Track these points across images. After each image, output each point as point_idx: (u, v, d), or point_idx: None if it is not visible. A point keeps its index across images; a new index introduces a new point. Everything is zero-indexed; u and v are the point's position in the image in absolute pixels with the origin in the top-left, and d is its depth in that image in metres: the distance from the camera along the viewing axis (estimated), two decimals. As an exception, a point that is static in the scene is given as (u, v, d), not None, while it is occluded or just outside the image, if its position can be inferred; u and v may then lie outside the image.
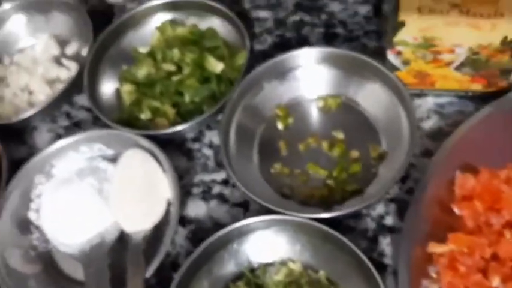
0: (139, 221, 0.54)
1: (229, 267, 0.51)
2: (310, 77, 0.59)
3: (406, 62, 0.55)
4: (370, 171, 0.54)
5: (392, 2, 0.52)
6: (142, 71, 0.62)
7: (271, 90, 0.58)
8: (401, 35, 0.51)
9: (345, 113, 0.58)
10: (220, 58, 0.62)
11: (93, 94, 0.61)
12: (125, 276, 0.50)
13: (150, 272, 0.49)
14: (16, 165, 0.58)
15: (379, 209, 0.53)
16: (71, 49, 0.70)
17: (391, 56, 0.54)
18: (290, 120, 0.58)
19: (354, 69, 0.57)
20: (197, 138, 0.61)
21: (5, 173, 0.57)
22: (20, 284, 0.51)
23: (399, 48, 0.53)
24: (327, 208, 0.53)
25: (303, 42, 0.65)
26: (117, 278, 0.51)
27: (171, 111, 0.60)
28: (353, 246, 0.46)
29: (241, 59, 0.61)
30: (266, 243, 0.51)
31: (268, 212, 0.51)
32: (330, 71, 0.58)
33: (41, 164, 0.57)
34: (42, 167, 0.57)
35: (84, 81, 0.62)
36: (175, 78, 0.61)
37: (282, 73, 0.58)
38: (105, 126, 0.60)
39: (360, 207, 0.50)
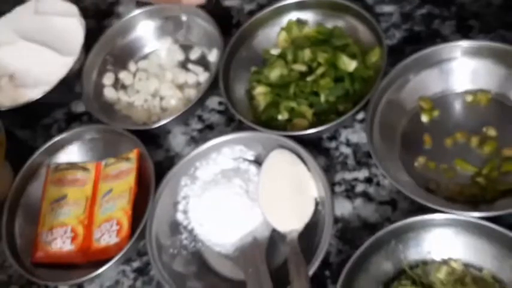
0: (291, 221, 0.54)
1: (386, 267, 0.51)
2: (458, 70, 0.57)
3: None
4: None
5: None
6: (275, 73, 0.63)
7: (417, 83, 0.58)
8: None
9: (496, 109, 0.56)
10: (352, 56, 0.62)
11: (229, 96, 0.63)
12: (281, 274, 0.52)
13: (312, 270, 0.50)
14: (156, 168, 0.60)
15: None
16: (194, 54, 0.72)
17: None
18: (435, 113, 0.57)
19: (505, 62, 0.55)
20: (333, 137, 0.61)
21: (153, 177, 0.59)
22: (181, 285, 0.53)
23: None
24: (474, 207, 0.51)
25: (434, 35, 0.63)
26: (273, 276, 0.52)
27: (309, 111, 0.60)
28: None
29: (375, 56, 0.61)
30: (425, 242, 0.50)
31: (419, 209, 0.50)
32: (480, 65, 0.57)
33: (186, 167, 0.59)
34: (187, 169, 0.59)
35: (220, 84, 0.63)
36: (308, 78, 0.62)
37: (430, 65, 0.57)
38: (241, 128, 0.62)
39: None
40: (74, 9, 0.74)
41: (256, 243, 0.54)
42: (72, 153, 0.67)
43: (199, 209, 0.57)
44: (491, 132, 0.55)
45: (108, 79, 0.72)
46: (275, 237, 0.55)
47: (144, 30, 0.74)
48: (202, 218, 0.57)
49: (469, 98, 0.58)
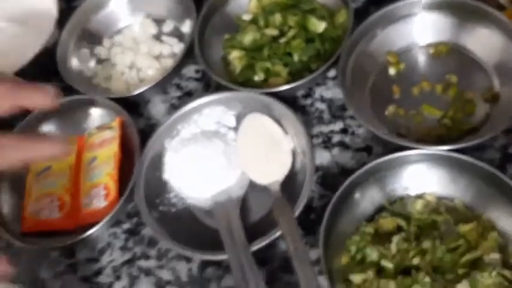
0: (272, 173, 0.57)
1: (366, 205, 0.54)
2: (419, 24, 0.62)
3: None
4: (483, 112, 0.57)
5: None
6: (248, 37, 0.66)
7: (383, 39, 0.62)
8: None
9: (456, 58, 0.61)
10: (320, 18, 0.65)
11: (207, 62, 0.65)
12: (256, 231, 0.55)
13: (297, 212, 0.52)
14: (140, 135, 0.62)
15: (501, 141, 0.56)
16: (167, 27, 0.74)
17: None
18: (402, 66, 0.62)
19: (462, 15, 0.60)
20: (308, 95, 0.64)
21: (137, 141, 0.61)
22: (175, 237, 0.55)
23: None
24: (443, 144, 0.55)
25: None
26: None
27: (283, 70, 0.63)
28: (495, 171, 0.49)
29: (342, 17, 0.65)
30: (400, 180, 0.54)
31: (392, 152, 0.54)
32: (438, 18, 0.61)
33: (169, 129, 0.61)
34: (170, 132, 0.61)
35: (196, 50, 0.65)
36: (281, 40, 0.65)
37: (393, 21, 0.62)
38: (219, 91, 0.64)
39: (488, 136, 0.53)
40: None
41: (230, 201, 0.57)
42: (53, 127, 0.67)
43: (176, 162, 0.59)
44: (453, 79, 0.60)
45: (83, 55, 0.73)
46: (251, 195, 0.58)
47: (116, 5, 0.75)
48: (178, 171, 0.59)
49: (431, 50, 0.62)
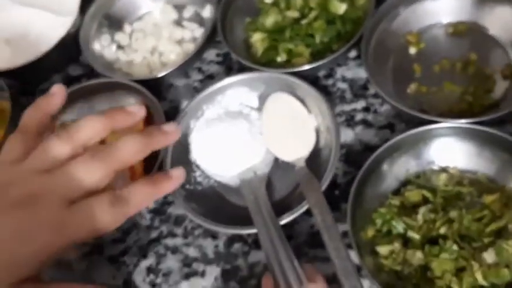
0: (297, 150, 0.58)
1: (391, 180, 0.55)
2: (440, 4, 0.63)
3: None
4: (503, 88, 0.59)
5: None
6: (270, 20, 0.67)
7: (405, 17, 0.63)
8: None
9: (475, 37, 0.62)
10: (341, 0, 0.66)
11: (229, 45, 0.66)
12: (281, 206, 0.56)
13: (323, 187, 0.53)
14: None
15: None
16: (188, 13, 0.75)
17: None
18: (422, 46, 0.63)
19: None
20: (329, 75, 0.66)
21: (163, 122, 0.61)
22: (200, 213, 0.56)
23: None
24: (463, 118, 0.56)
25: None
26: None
27: (306, 51, 0.64)
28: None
29: (362, -2, 0.66)
30: (423, 154, 0.55)
31: (415, 127, 0.55)
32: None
33: (194, 109, 0.62)
34: (196, 112, 0.62)
35: (219, 33, 0.67)
36: (303, 22, 0.66)
37: (416, 0, 0.63)
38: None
39: (508, 110, 0.54)
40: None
41: (256, 177, 0.58)
42: (77, 111, 0.68)
43: (202, 142, 0.60)
44: (472, 56, 0.61)
45: (105, 40, 0.74)
46: (276, 173, 0.59)
47: (137, -8, 0.77)
48: (204, 151, 0.60)
49: (450, 29, 0.64)
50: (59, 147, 0.45)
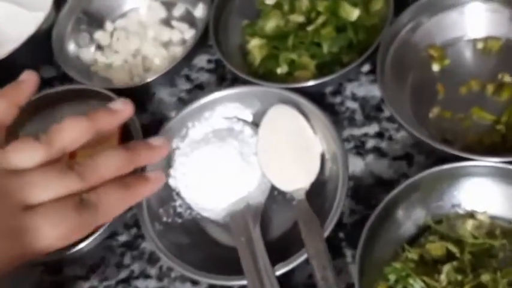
0: (296, 179, 0.49)
1: (408, 225, 0.46)
2: (467, 16, 0.54)
3: None
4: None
5: None
6: (270, 24, 0.58)
7: (428, 28, 0.54)
8: None
9: (509, 55, 0.53)
10: (353, 4, 0.57)
11: (222, 51, 0.57)
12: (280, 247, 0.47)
13: (327, 232, 0.45)
14: (142, 132, 0.54)
15: None
16: (178, 11, 0.66)
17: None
18: (446, 62, 0.54)
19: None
20: (337, 92, 0.56)
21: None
22: (178, 255, 0.47)
23: None
24: (497, 154, 0.47)
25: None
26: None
27: (311, 62, 0.55)
28: None
29: (378, 3, 0.57)
30: (447, 196, 0.46)
31: (437, 163, 0.46)
32: (493, 9, 0.54)
33: (177, 127, 0.53)
34: (179, 131, 0.53)
35: (211, 37, 0.57)
36: (309, 28, 0.57)
37: (440, 10, 0.54)
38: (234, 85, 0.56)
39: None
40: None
41: (250, 210, 0.49)
42: (45, 120, 0.59)
43: (186, 169, 0.51)
44: (507, 78, 0.52)
45: (82, 39, 0.65)
46: (271, 206, 0.51)
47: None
48: (188, 179, 0.51)
49: (480, 45, 0.55)
50: (33, 150, 0.42)
